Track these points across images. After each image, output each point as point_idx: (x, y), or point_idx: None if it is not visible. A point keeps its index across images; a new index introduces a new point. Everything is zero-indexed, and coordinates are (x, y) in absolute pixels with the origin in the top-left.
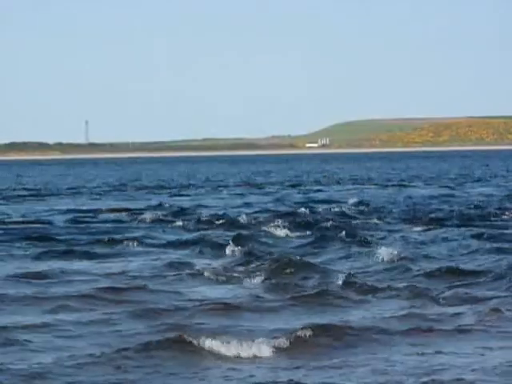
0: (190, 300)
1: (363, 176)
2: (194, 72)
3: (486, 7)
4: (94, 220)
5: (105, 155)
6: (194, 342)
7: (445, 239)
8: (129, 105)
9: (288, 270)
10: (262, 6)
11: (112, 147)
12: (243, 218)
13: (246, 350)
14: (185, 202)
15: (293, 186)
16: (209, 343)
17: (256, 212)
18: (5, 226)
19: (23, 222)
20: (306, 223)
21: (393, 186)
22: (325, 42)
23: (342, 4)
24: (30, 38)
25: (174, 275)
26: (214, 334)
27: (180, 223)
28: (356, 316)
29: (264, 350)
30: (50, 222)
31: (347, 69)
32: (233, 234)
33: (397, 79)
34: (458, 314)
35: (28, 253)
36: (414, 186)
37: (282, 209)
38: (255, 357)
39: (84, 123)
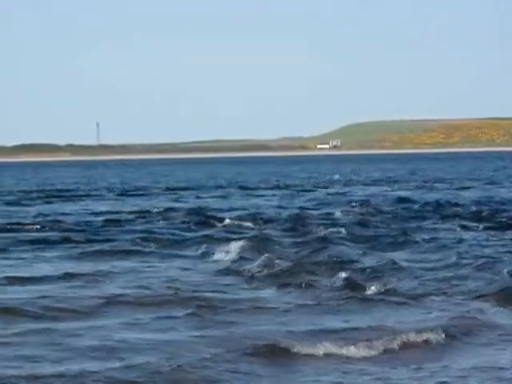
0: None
1: (427, 176)
2: (204, 73)
3: (497, 6)
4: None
5: (115, 157)
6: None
7: None
8: (139, 106)
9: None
10: (264, 6)
11: (123, 149)
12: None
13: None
14: (241, 202)
15: (345, 185)
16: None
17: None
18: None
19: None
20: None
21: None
22: (334, 43)
23: (352, 3)
24: (41, 39)
25: None
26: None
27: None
28: None
29: (374, 349)
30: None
31: (358, 70)
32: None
33: (407, 80)
34: None
35: None
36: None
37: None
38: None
39: (95, 125)
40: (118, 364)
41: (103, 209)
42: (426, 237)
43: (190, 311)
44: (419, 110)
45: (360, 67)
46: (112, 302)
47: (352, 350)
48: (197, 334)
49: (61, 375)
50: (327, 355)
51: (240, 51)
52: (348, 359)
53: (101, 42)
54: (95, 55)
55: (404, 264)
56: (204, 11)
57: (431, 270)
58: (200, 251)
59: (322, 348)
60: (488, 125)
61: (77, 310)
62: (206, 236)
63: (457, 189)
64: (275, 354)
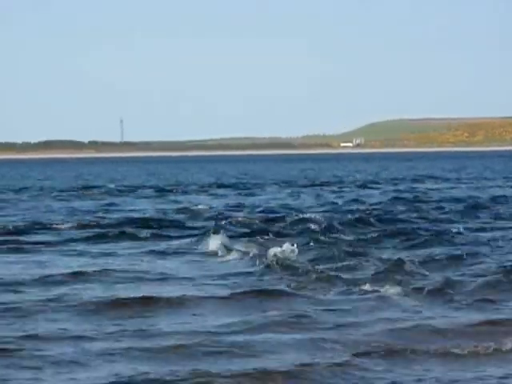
0: None
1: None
2: (205, 73)
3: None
4: None
5: (139, 154)
6: None
7: None
8: (162, 104)
9: None
10: (264, 6)
11: (147, 146)
12: None
13: None
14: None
15: (416, 181)
16: None
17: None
18: None
19: None
20: None
21: None
22: (335, 43)
23: (352, 3)
24: (71, 37)
25: None
26: None
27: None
28: None
29: None
30: None
31: (382, 68)
32: None
33: (431, 79)
34: None
35: None
36: None
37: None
38: None
39: (119, 122)
40: None
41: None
42: None
43: None
44: (442, 108)
45: (383, 66)
46: None
47: None
48: None
49: None
50: None
51: (240, 51)
52: None
53: (101, 41)
54: (96, 55)
55: None
56: (204, 11)
57: None
58: None
59: None
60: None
61: None
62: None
63: None
64: None
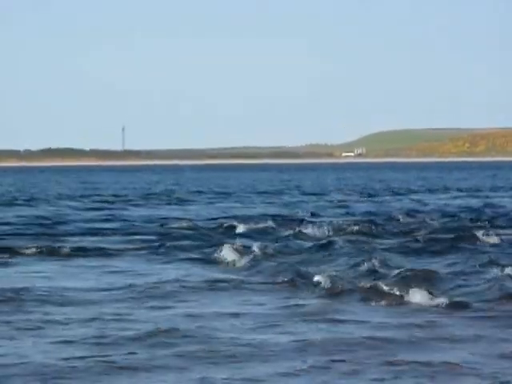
0: None
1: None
2: (232, 79)
3: None
4: None
5: (141, 162)
6: None
7: None
8: (166, 111)
9: None
10: (264, 6)
11: (149, 154)
12: None
13: None
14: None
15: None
16: None
17: None
18: None
19: None
20: None
21: None
22: (355, 43)
23: (352, 3)
24: (71, 37)
25: None
26: None
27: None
28: None
29: None
30: None
31: (384, 78)
32: None
33: (433, 89)
34: None
35: None
36: None
37: None
38: None
39: (121, 130)
40: None
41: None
42: None
43: None
44: (444, 118)
45: (384, 76)
46: None
47: None
48: None
49: None
50: None
51: (240, 51)
52: None
53: (101, 41)
54: (96, 55)
55: None
56: (204, 11)
57: None
58: None
59: None
60: None
61: None
62: None
63: None
64: None
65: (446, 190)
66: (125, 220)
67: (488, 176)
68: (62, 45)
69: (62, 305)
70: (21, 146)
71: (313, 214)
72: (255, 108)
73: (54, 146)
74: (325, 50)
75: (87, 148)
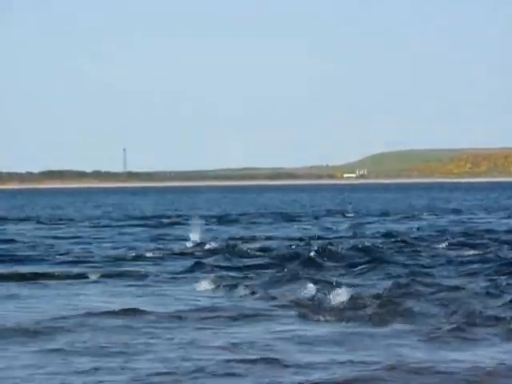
0: None
1: None
2: (232, 80)
3: None
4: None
5: (143, 184)
6: None
7: None
8: (167, 133)
9: None
10: (264, 6)
11: (150, 176)
12: None
13: None
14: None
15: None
16: None
17: None
18: None
19: None
20: None
21: None
22: (355, 43)
23: (352, 3)
24: (69, 65)
25: None
26: None
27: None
28: None
29: None
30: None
31: (385, 99)
32: None
33: (434, 109)
34: None
35: None
36: None
37: None
38: None
39: (122, 151)
40: None
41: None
42: None
43: None
44: (445, 139)
45: (385, 97)
46: None
47: None
48: None
49: None
50: None
51: (240, 51)
52: None
53: (101, 41)
54: (122, 81)
55: None
56: (204, 11)
57: None
58: None
59: None
60: None
61: None
62: None
63: None
64: None
65: None
66: None
67: None
68: (61, 46)
69: None
70: (22, 168)
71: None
72: (292, 136)
73: (54, 167)
74: (325, 50)
75: (89, 169)
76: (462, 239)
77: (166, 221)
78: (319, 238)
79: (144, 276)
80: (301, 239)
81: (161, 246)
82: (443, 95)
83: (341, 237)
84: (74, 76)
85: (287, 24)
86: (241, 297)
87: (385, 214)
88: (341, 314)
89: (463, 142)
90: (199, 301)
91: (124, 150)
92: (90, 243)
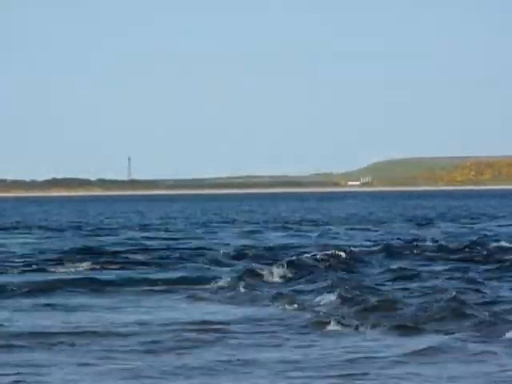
0: None
1: None
2: (234, 109)
3: None
4: None
5: (147, 192)
6: None
7: None
8: (172, 141)
9: None
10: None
11: (154, 184)
12: None
13: None
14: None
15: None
16: None
17: None
18: None
19: None
20: None
21: None
22: (364, 80)
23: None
24: (78, 73)
25: None
26: None
27: None
28: None
29: None
30: None
31: (388, 106)
32: None
33: (439, 117)
34: None
35: None
36: None
37: None
38: None
39: (127, 160)
40: None
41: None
42: None
43: None
44: (450, 146)
45: (389, 104)
46: None
47: None
48: None
49: None
50: None
51: (266, 88)
52: None
53: (136, 80)
54: (127, 90)
55: None
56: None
57: None
58: None
59: None
60: None
61: None
62: None
63: None
64: None
65: None
66: None
67: None
68: (106, 80)
69: None
70: (27, 176)
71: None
72: (257, 137)
73: (59, 175)
74: (364, 88)
75: (93, 178)
76: None
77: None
78: None
79: None
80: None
81: None
82: (447, 103)
83: None
84: (81, 84)
85: (327, 60)
86: None
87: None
88: None
89: (467, 150)
90: None
91: (129, 158)
92: None
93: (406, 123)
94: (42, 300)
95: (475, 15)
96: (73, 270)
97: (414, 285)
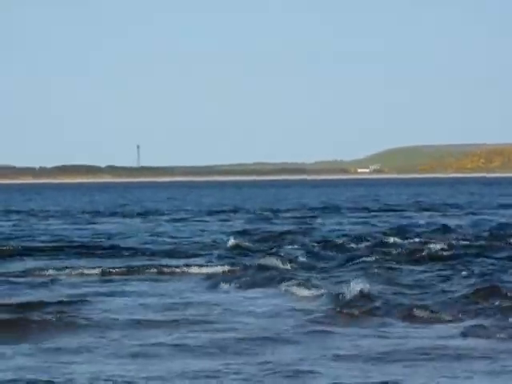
0: None
1: None
2: (242, 97)
3: None
4: None
5: (156, 179)
6: None
7: None
8: (180, 129)
9: None
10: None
11: (163, 171)
12: None
13: None
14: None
15: None
16: None
17: None
18: None
19: None
20: None
21: None
22: (375, 70)
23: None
24: (89, 65)
25: None
26: None
27: None
28: None
29: None
30: None
31: (399, 95)
32: None
33: (448, 105)
34: None
35: None
36: None
37: None
38: None
39: (136, 147)
40: None
41: None
42: None
43: None
44: (459, 134)
45: (399, 92)
46: None
47: None
48: None
49: None
50: None
51: (280, 81)
52: None
53: (147, 67)
54: (136, 78)
55: None
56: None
57: None
58: None
59: None
60: None
61: None
62: None
63: None
64: None
65: None
66: None
67: None
68: (116, 70)
69: None
70: (36, 163)
71: None
72: (267, 124)
73: (67, 162)
74: (373, 78)
75: (103, 165)
76: None
77: None
78: None
79: None
80: None
81: None
82: (456, 91)
83: None
84: (90, 72)
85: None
86: None
87: None
88: None
89: (477, 137)
90: None
91: (138, 146)
92: None
93: (414, 111)
94: None
95: (475, 15)
96: None
97: None
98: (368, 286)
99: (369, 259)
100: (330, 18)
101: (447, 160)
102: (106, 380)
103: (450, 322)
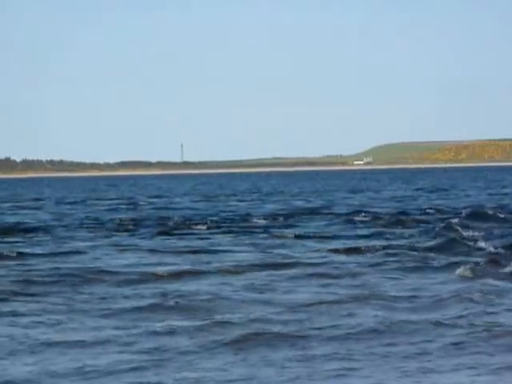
0: None
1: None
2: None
3: None
4: None
5: (196, 171)
6: None
7: None
8: (217, 128)
9: None
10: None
11: (202, 165)
12: None
13: None
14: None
15: None
16: None
17: None
18: None
19: None
20: None
21: None
22: (368, 75)
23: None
24: (136, 68)
25: None
26: None
27: None
28: None
29: None
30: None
31: (391, 101)
32: None
33: (425, 109)
34: None
35: None
36: None
37: None
38: None
39: (180, 146)
40: None
41: None
42: None
43: None
44: (435, 132)
45: (387, 96)
46: None
47: None
48: None
49: None
50: None
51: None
52: None
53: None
54: (184, 84)
55: None
56: None
57: None
58: None
59: None
60: (489, 145)
61: None
62: None
63: None
64: None
65: None
66: None
67: None
68: (165, 77)
69: None
70: (101, 159)
71: None
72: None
73: (126, 159)
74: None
75: (153, 160)
76: None
77: None
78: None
79: None
80: None
81: None
82: (432, 97)
83: None
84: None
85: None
86: None
87: None
88: None
89: (448, 135)
90: None
91: (181, 145)
92: None
93: (399, 112)
94: None
95: (475, 15)
96: None
97: None
98: None
99: None
100: (329, 18)
101: (424, 154)
102: None
103: None
